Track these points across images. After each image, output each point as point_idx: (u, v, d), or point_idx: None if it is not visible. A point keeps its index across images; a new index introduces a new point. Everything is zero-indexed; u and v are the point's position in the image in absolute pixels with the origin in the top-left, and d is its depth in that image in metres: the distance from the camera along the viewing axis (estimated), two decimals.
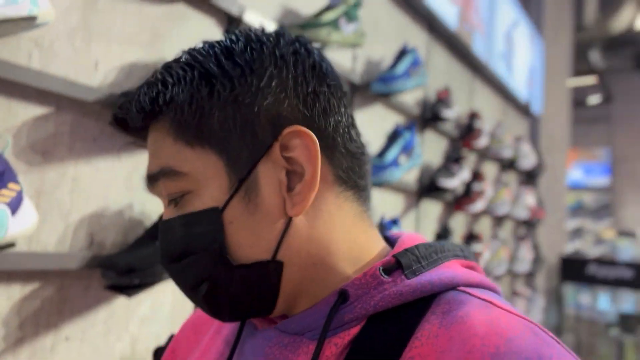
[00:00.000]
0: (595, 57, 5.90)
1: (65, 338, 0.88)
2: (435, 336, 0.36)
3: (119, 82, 0.96)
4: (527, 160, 2.92)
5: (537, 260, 3.16)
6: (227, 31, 1.15)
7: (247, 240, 0.41)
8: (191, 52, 0.43)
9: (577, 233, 8.01)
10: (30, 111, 0.83)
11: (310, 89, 0.42)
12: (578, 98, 6.48)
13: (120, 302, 0.97)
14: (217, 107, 0.40)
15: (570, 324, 3.97)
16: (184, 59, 0.43)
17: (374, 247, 0.45)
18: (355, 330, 0.39)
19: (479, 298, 0.39)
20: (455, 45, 2.30)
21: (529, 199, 2.95)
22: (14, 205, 0.69)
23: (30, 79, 0.80)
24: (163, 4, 1.05)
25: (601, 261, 3.62)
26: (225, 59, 0.41)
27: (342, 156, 0.43)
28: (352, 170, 0.44)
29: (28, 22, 0.74)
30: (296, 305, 0.43)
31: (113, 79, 0.96)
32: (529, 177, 3.19)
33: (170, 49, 1.06)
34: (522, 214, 2.83)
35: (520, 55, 3.16)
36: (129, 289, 0.86)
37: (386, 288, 0.40)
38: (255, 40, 0.43)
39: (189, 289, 0.43)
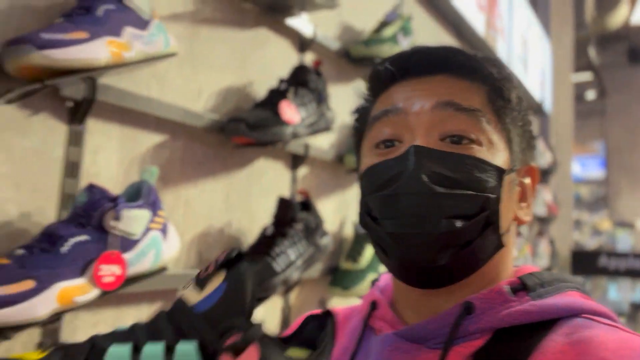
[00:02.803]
0: (591, 53, 6.03)
1: None
2: (561, 352, 0.39)
3: (217, 107, 1.01)
4: (544, 159, 3.00)
5: (554, 254, 3.26)
6: (301, 51, 1.20)
7: (503, 213, 0.46)
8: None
9: (575, 225, 8.16)
10: (151, 139, 0.88)
11: None
12: (576, 93, 6.60)
13: None
14: (513, 109, 0.49)
15: None
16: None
17: None
18: (479, 342, 0.43)
19: (605, 324, 0.42)
20: (481, 51, 2.37)
21: (547, 195, 3.04)
22: (164, 231, 0.74)
23: (152, 109, 0.84)
24: (249, 29, 1.09)
25: (611, 253, 3.72)
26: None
27: None
28: None
29: (161, 58, 0.78)
30: (419, 313, 0.47)
31: (212, 105, 1.00)
32: (544, 175, 3.27)
33: (256, 72, 1.11)
34: (541, 210, 2.92)
35: (533, 56, 3.24)
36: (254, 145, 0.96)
37: (512, 305, 0.43)
38: None
39: (436, 217, 0.43)
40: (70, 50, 0.62)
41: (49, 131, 0.73)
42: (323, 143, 1.30)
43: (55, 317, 0.61)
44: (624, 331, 0.41)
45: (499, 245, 0.46)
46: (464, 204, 0.43)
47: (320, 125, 1.08)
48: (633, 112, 7.88)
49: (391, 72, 0.49)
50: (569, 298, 0.45)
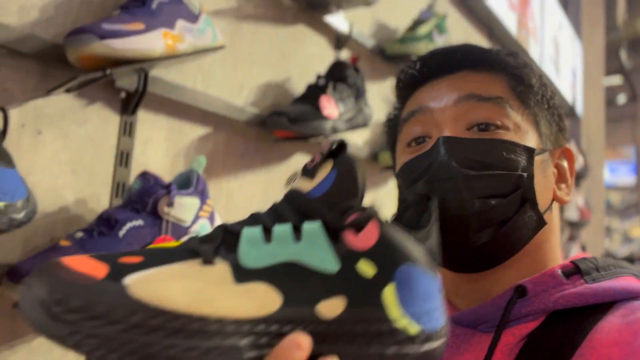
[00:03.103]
0: (623, 56, 5.89)
1: None
2: (618, 331, 0.39)
3: (257, 102, 1.03)
4: (575, 162, 2.95)
5: None
6: (338, 48, 1.21)
7: (539, 191, 0.46)
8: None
9: (605, 232, 7.96)
10: (196, 132, 0.90)
11: None
12: (607, 97, 6.46)
13: None
14: (536, 93, 0.50)
15: None
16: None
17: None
18: (532, 325, 0.43)
19: None
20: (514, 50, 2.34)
21: (579, 200, 2.98)
22: (211, 220, 0.75)
23: (197, 101, 0.86)
24: (287, 25, 1.11)
25: None
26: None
27: None
28: None
29: (209, 51, 0.80)
30: (473, 298, 0.47)
31: (253, 99, 1.02)
32: (576, 179, 3.21)
33: (294, 68, 1.12)
34: (573, 215, 2.86)
35: (565, 57, 3.19)
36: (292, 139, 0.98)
37: (565, 288, 0.43)
38: None
39: (469, 198, 0.43)
40: (129, 41, 0.64)
41: (103, 121, 0.76)
42: (358, 140, 1.30)
43: None
44: None
45: (540, 223, 0.46)
46: (496, 183, 0.44)
47: (358, 121, 1.09)
48: None
49: (414, 76, 0.52)
50: (625, 281, 0.44)
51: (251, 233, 0.29)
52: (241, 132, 0.99)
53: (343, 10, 1.18)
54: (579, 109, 3.57)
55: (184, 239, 0.68)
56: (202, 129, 0.91)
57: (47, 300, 0.23)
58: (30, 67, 0.67)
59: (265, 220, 0.30)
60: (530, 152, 0.46)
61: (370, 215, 0.30)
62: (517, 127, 0.47)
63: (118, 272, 0.25)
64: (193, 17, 0.76)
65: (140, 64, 0.68)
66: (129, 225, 0.64)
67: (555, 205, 0.50)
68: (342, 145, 0.34)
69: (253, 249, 0.28)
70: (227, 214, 0.95)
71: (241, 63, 0.99)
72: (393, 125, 0.56)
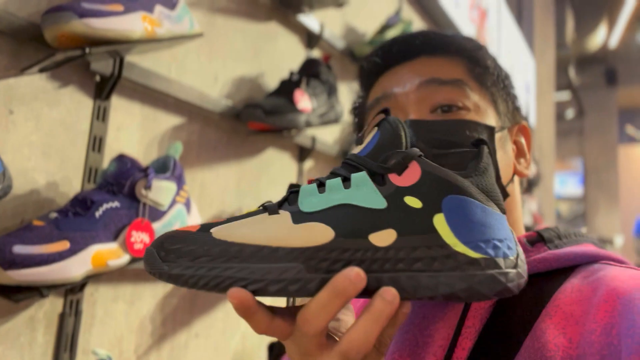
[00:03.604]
0: (571, 73, 6.24)
1: (195, 335, 0.93)
2: (579, 290, 0.41)
3: (232, 94, 1.03)
4: (529, 170, 3.09)
5: None
6: (309, 47, 1.24)
7: (501, 166, 0.48)
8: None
9: None
10: (170, 121, 0.89)
11: None
12: (556, 112, 6.81)
13: None
14: (492, 74, 0.53)
15: None
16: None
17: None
18: None
19: (621, 267, 0.44)
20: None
21: (533, 206, 3.11)
22: (188, 206, 0.75)
23: (172, 90, 0.86)
24: (261, 22, 1.12)
25: None
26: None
27: None
28: None
29: (186, 38, 0.80)
30: None
31: (227, 92, 1.02)
32: (529, 186, 3.36)
33: (267, 64, 1.14)
34: (528, 220, 2.98)
35: (518, 72, 3.35)
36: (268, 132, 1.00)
37: (530, 255, 0.46)
38: None
39: None
40: (109, 21, 0.64)
41: (76, 104, 0.74)
42: (328, 138, 1.33)
43: (84, 281, 0.62)
44: (637, 270, 0.43)
45: (504, 194, 0.49)
46: (462, 160, 0.47)
47: (330, 117, 1.11)
48: (609, 132, 8.14)
49: (376, 64, 0.55)
50: (585, 247, 0.48)
51: (308, 187, 0.33)
52: (215, 124, 0.99)
53: (314, 10, 1.20)
54: (532, 121, 3.75)
55: (163, 221, 0.68)
56: (176, 119, 0.90)
57: (156, 247, 0.31)
58: (2, 45, 0.65)
59: (322, 179, 0.34)
60: (490, 130, 0.47)
61: (410, 155, 0.33)
62: (477, 107, 0.50)
63: (207, 227, 0.32)
64: (171, 4, 0.77)
65: (119, 46, 0.68)
66: (105, 206, 0.63)
67: (516, 179, 0.53)
68: (387, 110, 0.37)
69: (309, 198, 0.33)
70: (200, 205, 0.94)
71: (215, 55, 0.99)
72: (359, 114, 0.58)
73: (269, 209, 0.33)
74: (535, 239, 0.48)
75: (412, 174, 0.32)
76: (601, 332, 0.36)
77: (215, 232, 0.31)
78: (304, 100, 1.00)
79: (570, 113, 7.46)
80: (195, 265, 0.30)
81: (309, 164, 1.27)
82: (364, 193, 0.32)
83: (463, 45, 0.53)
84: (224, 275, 0.30)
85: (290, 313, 0.33)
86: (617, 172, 8.10)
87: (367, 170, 0.33)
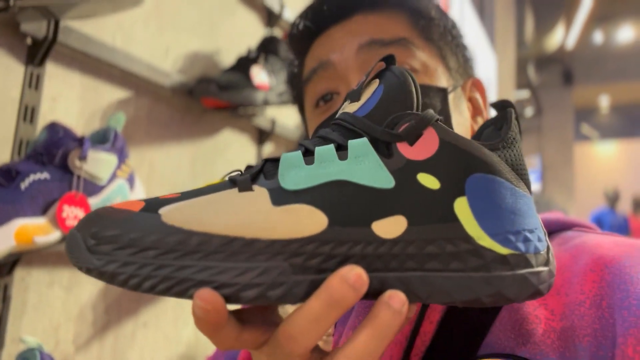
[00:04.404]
0: (530, 72, 6.43)
1: (143, 324, 0.87)
2: (557, 258, 0.38)
3: (185, 69, 0.97)
4: None
5: None
6: (269, 26, 1.19)
7: (458, 130, 0.44)
8: None
9: None
10: (115, 94, 0.83)
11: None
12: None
13: None
14: (438, 25, 0.48)
15: None
16: None
17: None
18: None
19: (597, 233, 0.41)
20: None
21: None
22: (131, 182, 0.69)
23: (116, 60, 0.80)
24: None
25: None
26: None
27: None
28: None
29: (131, 2, 0.74)
30: None
31: (180, 66, 0.96)
32: None
33: (223, 40, 1.08)
34: None
35: (480, 68, 3.40)
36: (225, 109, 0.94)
37: None
38: None
39: None
40: None
41: (5, 70, 0.67)
42: (289, 122, 1.28)
43: (11, 259, 0.55)
44: (616, 236, 0.41)
45: None
46: None
47: (289, 96, 1.07)
48: (565, 130, 8.43)
49: (307, 28, 0.48)
50: (556, 214, 0.45)
51: (290, 156, 0.26)
52: (166, 100, 0.93)
53: None
54: None
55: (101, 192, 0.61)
56: (122, 92, 0.84)
57: (83, 234, 0.23)
58: None
59: (307, 145, 0.27)
60: (443, 93, 0.44)
61: (426, 120, 0.25)
62: (425, 67, 0.45)
63: (154, 205, 0.25)
64: None
65: (49, 0, 0.61)
66: (32, 177, 0.56)
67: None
68: (389, 59, 0.29)
69: (292, 171, 0.25)
70: (148, 185, 0.88)
71: (167, 26, 0.93)
72: (296, 85, 0.52)
73: (238, 182, 0.26)
74: None
75: (427, 145, 0.25)
76: (591, 304, 0.33)
77: (166, 214, 0.24)
78: (260, 76, 0.96)
79: (529, 111, 7.68)
80: (138, 262, 0.23)
81: (268, 147, 1.22)
82: (366, 167, 0.25)
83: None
84: (178, 276, 0.22)
85: (265, 318, 0.27)
86: (572, 169, 8.41)
87: (368, 136, 0.26)
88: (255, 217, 0.24)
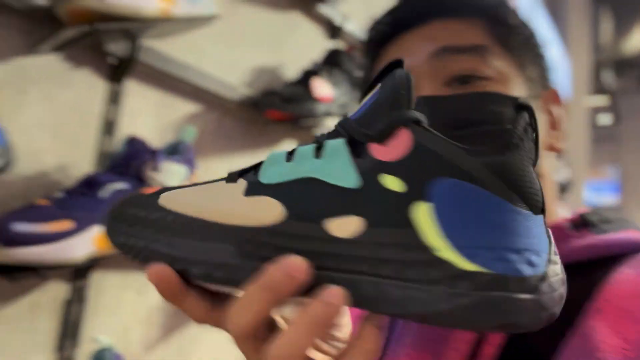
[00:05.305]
0: (607, 77, 6.04)
1: (207, 328, 0.90)
2: (635, 283, 0.36)
3: (250, 83, 1.01)
4: (560, 173, 2.97)
5: None
6: (332, 38, 1.21)
7: None
8: None
9: None
10: (187, 108, 0.87)
11: None
12: (591, 117, 6.60)
13: None
14: (518, 33, 0.46)
15: None
16: None
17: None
18: None
19: None
20: None
21: (564, 211, 3.00)
22: None
23: (189, 76, 0.84)
24: (283, 11, 1.10)
25: None
26: None
27: None
28: None
29: (203, 21, 0.78)
30: None
31: (247, 80, 1.00)
32: (562, 191, 3.24)
33: (288, 54, 1.11)
34: None
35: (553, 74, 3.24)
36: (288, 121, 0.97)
37: (573, 241, 0.40)
38: None
39: None
40: None
41: (90, 86, 0.73)
42: None
43: (89, 263, 0.60)
44: None
45: None
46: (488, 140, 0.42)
47: (352, 108, 1.07)
48: None
49: (382, 32, 0.47)
50: (633, 234, 0.42)
51: (275, 154, 0.27)
52: (232, 113, 0.97)
53: (338, 1, 1.17)
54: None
55: None
56: (193, 106, 0.88)
57: (112, 209, 0.28)
58: (16, 24, 0.64)
59: (293, 150, 0.28)
60: (519, 103, 0.42)
61: (398, 119, 0.24)
62: (501, 76, 0.42)
63: (162, 190, 0.28)
64: None
65: (131, 24, 0.66)
66: (111, 187, 0.61)
67: (548, 154, 0.46)
68: (398, 63, 0.29)
69: (272, 167, 0.27)
70: None
71: (235, 43, 0.97)
72: (365, 89, 0.53)
73: (228, 176, 0.28)
74: (579, 223, 0.41)
75: (398, 145, 0.24)
76: None
77: (163, 197, 0.27)
78: (321, 88, 0.97)
79: (604, 118, 7.21)
80: (133, 233, 0.26)
81: None
82: (336, 166, 0.25)
83: (480, 3, 0.45)
84: (150, 248, 0.26)
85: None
86: None
87: (348, 136, 0.26)
88: (224, 204, 0.26)
